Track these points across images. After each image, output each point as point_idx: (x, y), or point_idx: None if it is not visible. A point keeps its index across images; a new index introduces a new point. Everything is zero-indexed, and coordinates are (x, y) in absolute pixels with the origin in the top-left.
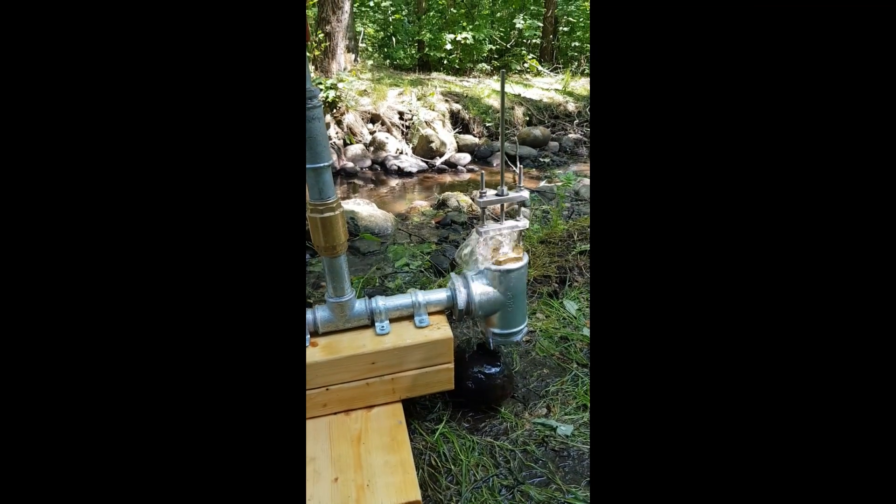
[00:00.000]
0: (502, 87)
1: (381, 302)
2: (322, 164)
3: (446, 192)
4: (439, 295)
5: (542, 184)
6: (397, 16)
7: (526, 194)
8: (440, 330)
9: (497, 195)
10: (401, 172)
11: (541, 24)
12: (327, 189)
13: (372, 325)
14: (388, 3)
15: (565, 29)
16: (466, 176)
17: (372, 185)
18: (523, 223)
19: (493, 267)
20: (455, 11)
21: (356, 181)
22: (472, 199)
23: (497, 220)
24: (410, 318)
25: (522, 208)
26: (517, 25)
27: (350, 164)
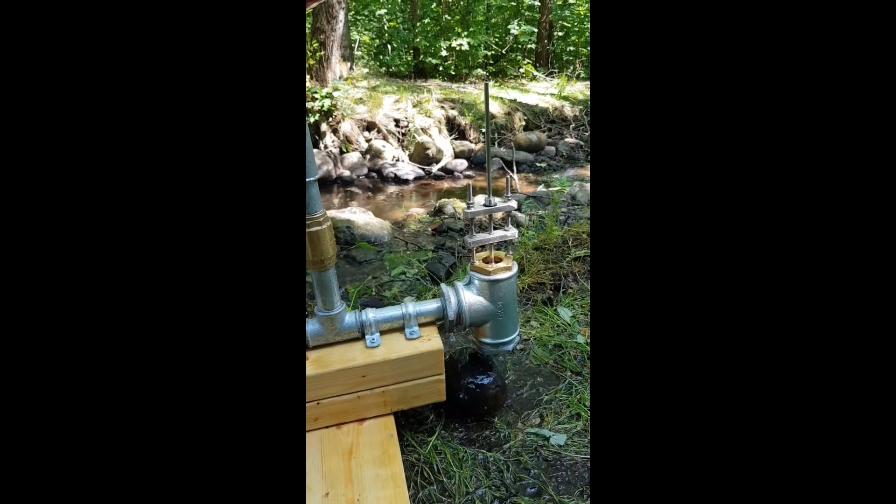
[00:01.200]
0: (486, 99)
1: (371, 314)
2: (309, 179)
3: (443, 199)
4: (429, 306)
5: (539, 188)
6: (392, 23)
7: (514, 204)
8: (430, 341)
9: (485, 205)
10: (397, 180)
11: (535, 30)
12: (314, 203)
13: (362, 337)
14: (383, 11)
15: (560, 34)
16: (463, 182)
17: (369, 193)
18: (512, 232)
19: (483, 277)
20: (450, 18)
21: (353, 189)
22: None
23: (486, 229)
24: (401, 329)
25: (517, 213)
26: (512, 31)
27: (347, 173)
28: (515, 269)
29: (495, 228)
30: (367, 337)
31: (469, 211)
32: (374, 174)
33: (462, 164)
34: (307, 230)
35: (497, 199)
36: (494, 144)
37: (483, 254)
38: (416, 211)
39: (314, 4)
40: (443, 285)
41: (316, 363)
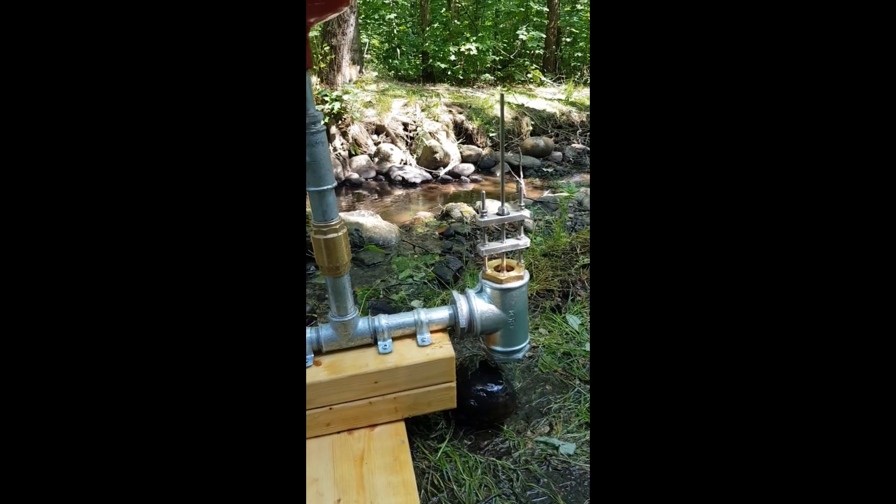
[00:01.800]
0: (501, 112)
1: (383, 320)
2: (325, 187)
3: (450, 203)
4: (441, 313)
5: (546, 194)
6: (402, 27)
7: (527, 213)
8: (442, 349)
9: (498, 214)
10: (405, 183)
11: (544, 35)
12: (331, 211)
13: (375, 343)
14: (393, 16)
15: (568, 40)
16: (470, 186)
17: (376, 196)
18: (524, 241)
19: (495, 285)
20: (459, 23)
21: (361, 191)
22: (474, 219)
23: (498, 237)
24: (413, 335)
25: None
26: (520, 36)
27: (355, 175)
28: (527, 277)
29: (507, 237)
30: (379, 343)
31: (482, 220)
32: (381, 177)
33: (469, 168)
34: (324, 237)
35: (508, 207)
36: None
37: (495, 262)
38: (424, 214)
39: (328, 17)
40: (454, 292)
41: (329, 368)
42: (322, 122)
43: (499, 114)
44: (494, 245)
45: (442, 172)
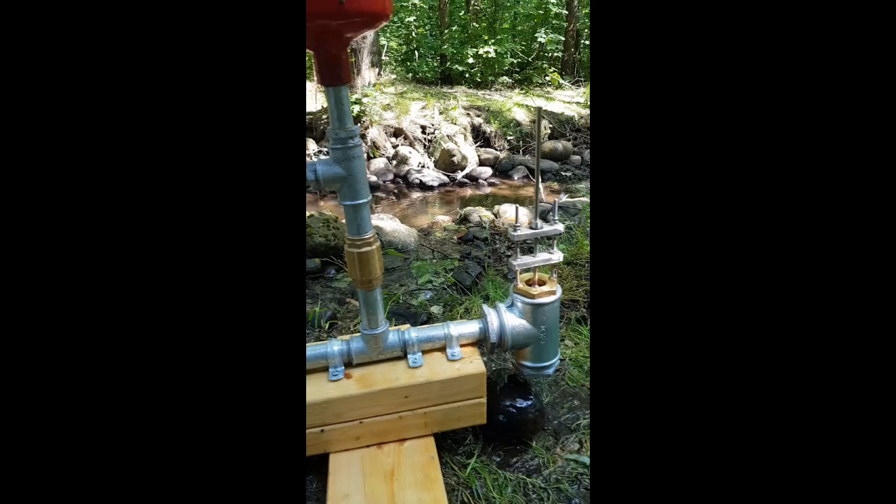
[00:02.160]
0: (538, 126)
1: (413, 333)
2: (361, 201)
3: (468, 208)
4: (471, 327)
5: (564, 198)
6: (420, 30)
7: (561, 227)
8: (473, 364)
9: (531, 228)
10: (422, 186)
11: (562, 38)
12: (365, 224)
13: (404, 356)
14: (411, 18)
15: (587, 42)
16: (488, 189)
17: (394, 198)
18: (557, 256)
19: (527, 300)
20: (477, 26)
21: (379, 194)
22: (507, 235)
23: (531, 251)
24: (442, 349)
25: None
26: (539, 39)
27: (373, 178)
28: (559, 292)
29: (539, 250)
30: (409, 356)
31: (515, 234)
32: (399, 180)
33: (486, 171)
34: (358, 251)
35: (542, 223)
36: (519, 152)
37: (527, 275)
38: (442, 218)
39: (366, 32)
40: (484, 306)
41: (360, 382)
42: (359, 137)
43: (517, 115)
44: (527, 259)
45: (459, 175)
